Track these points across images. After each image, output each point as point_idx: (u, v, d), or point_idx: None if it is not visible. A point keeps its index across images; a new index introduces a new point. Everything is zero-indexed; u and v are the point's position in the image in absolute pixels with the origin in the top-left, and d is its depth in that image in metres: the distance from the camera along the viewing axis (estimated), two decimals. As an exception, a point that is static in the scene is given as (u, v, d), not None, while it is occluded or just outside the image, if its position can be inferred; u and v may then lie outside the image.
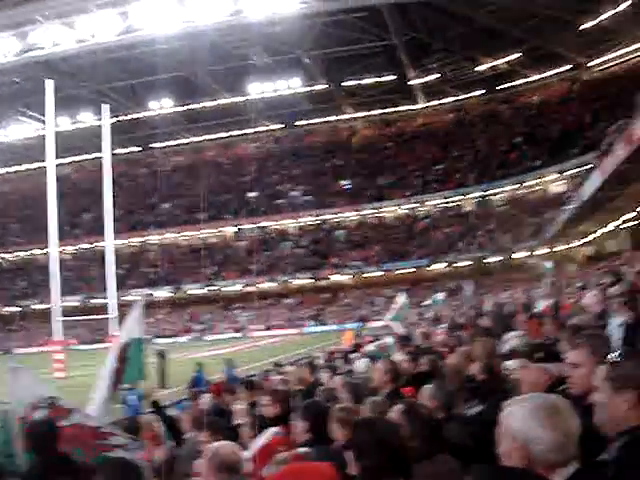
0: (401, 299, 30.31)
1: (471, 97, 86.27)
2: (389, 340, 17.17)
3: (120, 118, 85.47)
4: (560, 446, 2.40)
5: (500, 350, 8.02)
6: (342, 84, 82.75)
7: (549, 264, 35.22)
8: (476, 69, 78.92)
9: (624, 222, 44.00)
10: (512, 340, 8.37)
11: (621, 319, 7.84)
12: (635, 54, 69.26)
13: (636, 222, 42.65)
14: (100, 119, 60.45)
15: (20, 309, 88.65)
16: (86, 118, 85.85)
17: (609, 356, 3.01)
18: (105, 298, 62.05)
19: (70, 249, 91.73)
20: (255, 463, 4.84)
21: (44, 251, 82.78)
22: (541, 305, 15.90)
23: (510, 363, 5.04)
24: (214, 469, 4.15)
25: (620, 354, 2.94)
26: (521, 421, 2.45)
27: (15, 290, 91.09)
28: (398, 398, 5.49)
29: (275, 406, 6.89)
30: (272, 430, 5.15)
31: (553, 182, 69.21)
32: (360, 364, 11.18)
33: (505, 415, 2.55)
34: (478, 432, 3.08)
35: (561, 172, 65.27)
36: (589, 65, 75.13)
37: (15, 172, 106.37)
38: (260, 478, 4.55)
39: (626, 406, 2.76)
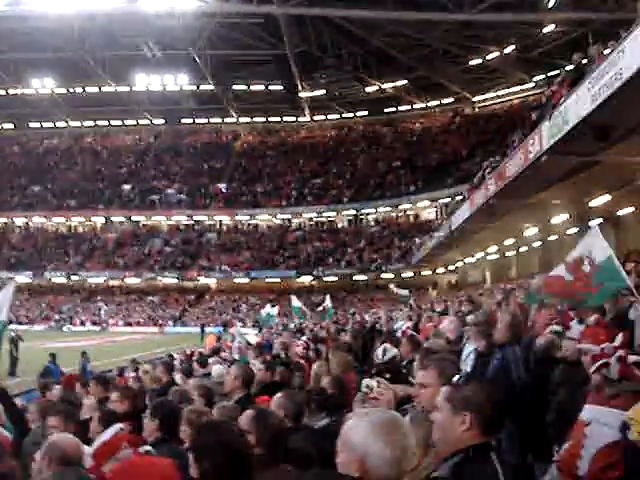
0: (267, 309, 30.46)
1: (355, 116, 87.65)
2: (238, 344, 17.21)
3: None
4: (396, 461, 2.47)
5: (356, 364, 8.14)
6: (230, 87, 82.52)
7: (405, 292, 35.91)
8: (364, 90, 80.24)
9: (487, 254, 45.45)
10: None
11: (474, 347, 8.08)
12: (515, 95, 72.24)
13: (498, 255, 44.13)
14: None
15: None
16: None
17: (453, 379, 3.12)
18: (-40, 277, 59.55)
19: None
20: (96, 458, 4.74)
21: None
22: (402, 326, 16.22)
23: (367, 381, 5.12)
24: (51, 460, 4.06)
25: (461, 377, 3.05)
26: (361, 435, 2.51)
27: None
28: (249, 404, 5.49)
29: (124, 403, 6.79)
30: (117, 426, 5.04)
31: (425, 209, 71.02)
32: (216, 369, 11.10)
33: (346, 428, 2.60)
34: (323, 444, 3.14)
35: (434, 200, 66.97)
36: (472, 100, 77.67)
37: None
38: (100, 474, 4.46)
39: (462, 427, 2.87)
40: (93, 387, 8.95)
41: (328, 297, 30.90)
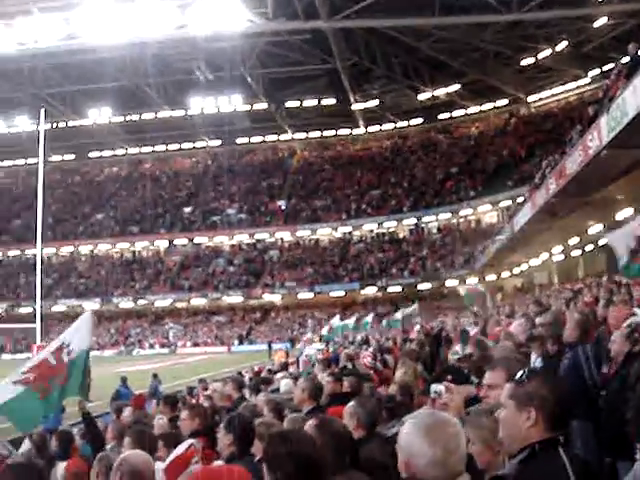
0: (334, 321, 30.60)
1: (410, 125, 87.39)
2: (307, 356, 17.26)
3: (57, 125, 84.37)
4: (440, 462, 2.48)
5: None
6: (283, 104, 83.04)
7: (470, 295, 35.78)
8: (416, 98, 79.99)
9: (553, 255, 44.79)
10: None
11: (540, 353, 7.99)
12: (570, 92, 71.17)
13: (564, 256, 43.47)
14: (36, 124, 59.43)
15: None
16: (22, 122, 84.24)
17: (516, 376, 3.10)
18: (31, 307, 60.98)
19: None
20: (167, 473, 4.81)
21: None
22: (470, 332, 16.12)
23: (435, 386, 5.11)
24: (122, 476, 4.13)
25: (524, 373, 3.03)
26: (406, 436, 2.54)
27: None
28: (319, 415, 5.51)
29: (194, 421, 6.86)
30: (188, 441, 5.11)
31: (486, 213, 70.27)
32: (284, 383, 11.17)
33: (400, 430, 2.65)
34: (395, 452, 3.15)
35: (494, 203, 66.30)
36: (526, 100, 76.84)
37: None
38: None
39: (528, 423, 2.85)
40: (162, 407, 9.09)
41: (400, 312, 30.80)
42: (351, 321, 31.90)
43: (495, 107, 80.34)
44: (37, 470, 4.57)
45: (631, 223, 8.84)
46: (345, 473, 3.86)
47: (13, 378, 8.31)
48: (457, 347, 8.69)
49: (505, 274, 58.38)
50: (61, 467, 6.55)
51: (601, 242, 36.24)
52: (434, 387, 5.10)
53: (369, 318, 33.08)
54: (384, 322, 29.86)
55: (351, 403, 5.40)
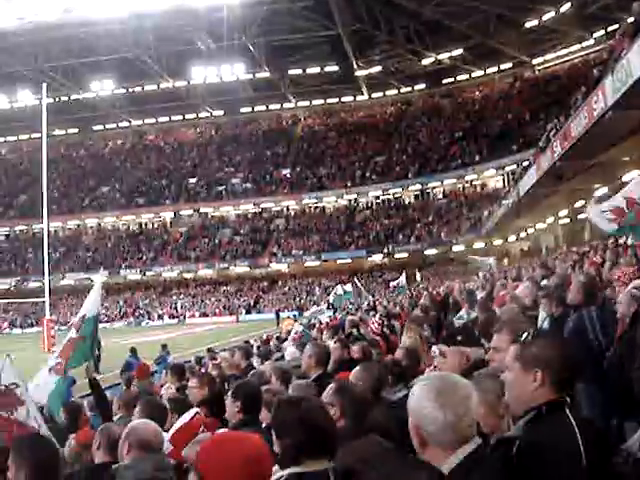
0: (339, 289, 30.61)
1: (414, 90, 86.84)
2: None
3: (60, 98, 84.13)
4: (450, 426, 2.45)
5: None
6: (286, 72, 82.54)
7: (489, 259, 35.77)
8: (420, 63, 79.36)
9: (559, 219, 44.65)
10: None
11: (548, 311, 7.98)
12: (575, 54, 70.48)
13: (570, 219, 43.34)
14: (39, 98, 59.23)
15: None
16: (24, 97, 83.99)
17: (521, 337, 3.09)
18: (39, 281, 61.19)
19: (4, 231, 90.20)
20: (174, 442, 4.83)
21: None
22: (477, 296, 16.10)
23: (436, 347, 5.11)
24: (130, 446, 4.14)
25: (529, 335, 3.01)
26: (417, 400, 2.52)
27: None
28: (327, 382, 5.52)
29: (203, 389, 6.88)
30: (192, 410, 5.13)
31: (492, 177, 70.03)
32: (290, 351, 11.20)
33: (410, 394, 2.62)
34: (402, 416, 3.15)
35: (500, 168, 66.04)
36: (531, 63, 76.22)
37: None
38: (179, 457, 4.53)
39: (534, 385, 2.84)
40: (170, 376, 9.13)
41: (403, 275, 30.88)
42: (349, 290, 31.92)
43: (499, 70, 79.67)
44: (48, 441, 4.60)
45: (614, 196, 8.80)
46: (364, 437, 3.87)
47: (50, 364, 8.36)
48: (462, 311, 8.69)
49: (511, 238, 58.32)
50: (71, 438, 6.59)
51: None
52: (434, 348, 5.12)
53: (347, 287, 33.03)
54: (393, 288, 29.87)
55: (356, 368, 5.40)
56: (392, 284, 30.70)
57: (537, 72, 76.70)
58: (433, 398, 2.49)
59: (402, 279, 29.92)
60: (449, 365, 4.80)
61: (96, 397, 8.42)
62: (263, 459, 2.74)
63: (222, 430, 4.83)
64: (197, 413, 5.07)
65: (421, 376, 2.82)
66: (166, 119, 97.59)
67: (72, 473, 5.27)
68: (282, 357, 11.50)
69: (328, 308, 32.15)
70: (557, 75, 71.25)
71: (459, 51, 75.49)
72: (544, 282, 11.32)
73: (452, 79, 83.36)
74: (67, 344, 8.54)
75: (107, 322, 69.02)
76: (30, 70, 77.21)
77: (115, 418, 7.35)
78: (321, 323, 21.15)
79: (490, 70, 80.00)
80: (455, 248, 65.56)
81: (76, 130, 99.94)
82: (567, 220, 43.88)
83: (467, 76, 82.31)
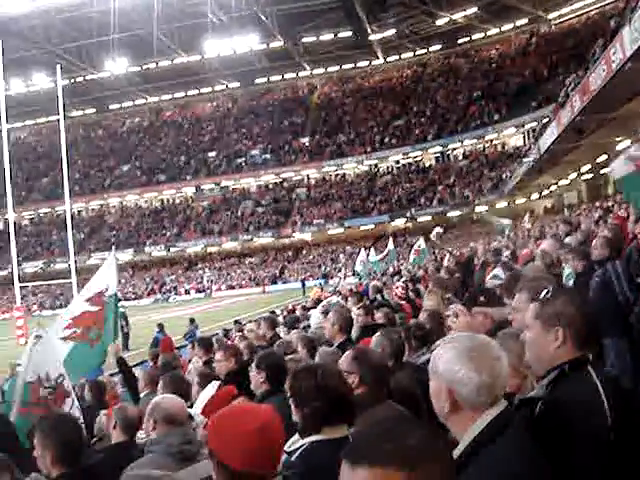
0: (372, 255, 30.50)
1: (429, 52, 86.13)
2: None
3: (75, 80, 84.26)
4: (485, 387, 2.39)
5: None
6: (299, 40, 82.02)
7: (505, 221, 35.48)
8: (434, 24, 78.57)
9: (581, 174, 44.32)
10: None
11: (572, 268, 7.92)
12: (591, 7, 69.52)
13: (592, 174, 42.98)
14: (54, 81, 59.32)
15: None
16: (40, 80, 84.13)
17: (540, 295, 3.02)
18: (65, 262, 61.66)
19: (28, 214, 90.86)
20: (207, 415, 4.83)
21: (2, 217, 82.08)
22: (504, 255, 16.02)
23: (451, 307, 5.08)
24: (156, 421, 4.16)
25: (549, 292, 2.94)
26: (447, 362, 2.43)
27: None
28: (350, 348, 5.50)
29: (229, 361, 6.89)
30: (213, 382, 5.14)
31: (512, 136, 69.46)
32: (314, 317, 11.21)
33: (434, 356, 2.55)
34: (426, 380, 3.13)
35: (519, 126, 65.47)
36: (547, 18, 75.25)
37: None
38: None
39: (555, 343, 2.78)
40: (197, 350, 9.17)
41: (422, 239, 30.63)
42: (376, 258, 31.83)
43: (515, 27, 78.78)
44: (72, 420, 4.65)
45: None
46: (383, 404, 3.85)
47: (59, 334, 8.39)
48: (497, 270, 8.60)
49: (534, 196, 58.00)
50: (102, 414, 6.65)
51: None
52: (451, 307, 5.09)
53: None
54: (412, 258, 29.60)
55: (377, 334, 5.39)
56: (414, 249, 30.38)
57: (553, 27, 75.75)
58: (467, 359, 2.42)
59: (421, 242, 29.56)
60: (461, 325, 4.77)
61: (123, 375, 8.51)
62: (274, 429, 2.72)
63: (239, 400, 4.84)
64: (220, 385, 5.07)
65: (443, 338, 2.74)
66: (182, 94, 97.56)
67: (97, 451, 5.33)
68: (308, 326, 11.51)
69: (353, 275, 32.17)
70: (574, 29, 70.35)
71: (474, 9, 74.61)
72: (567, 239, 11.22)
73: (468, 38, 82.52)
74: (84, 316, 8.56)
75: (135, 299, 69.61)
76: (44, 53, 77.28)
77: (142, 394, 7.39)
78: (351, 291, 21.12)
79: (506, 27, 79.11)
80: (478, 209, 65.26)
81: (93, 110, 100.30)
82: (590, 175, 43.57)
83: (483, 35, 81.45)
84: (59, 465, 4.02)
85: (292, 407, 3.35)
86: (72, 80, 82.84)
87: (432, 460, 1.61)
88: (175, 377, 6.21)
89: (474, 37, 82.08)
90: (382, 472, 1.55)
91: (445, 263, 18.36)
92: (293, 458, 3.16)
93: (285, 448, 3.34)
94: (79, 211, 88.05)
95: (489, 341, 2.61)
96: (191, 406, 5.29)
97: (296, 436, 3.34)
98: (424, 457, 1.60)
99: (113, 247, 12.81)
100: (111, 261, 9.36)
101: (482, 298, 5.02)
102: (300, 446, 3.20)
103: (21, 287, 47.61)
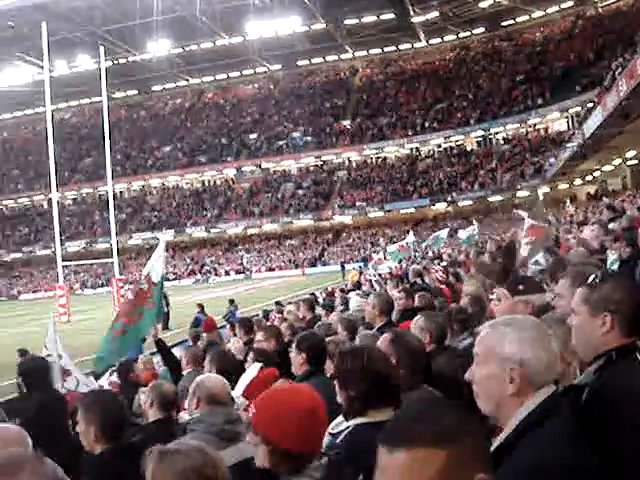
0: (409, 238, 30.40)
1: (473, 35, 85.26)
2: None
3: (118, 61, 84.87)
4: (552, 365, 2.38)
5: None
6: (342, 23, 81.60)
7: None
8: (478, 6, 77.64)
9: (626, 160, 43.71)
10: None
11: (617, 254, 7.83)
12: (639, -11, 68.20)
13: (638, 160, 42.35)
14: (97, 62, 59.73)
15: (23, 255, 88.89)
16: (84, 62, 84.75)
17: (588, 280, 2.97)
18: (107, 243, 62.34)
19: (71, 194, 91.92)
20: (250, 396, 4.85)
21: (46, 197, 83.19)
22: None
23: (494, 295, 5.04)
24: (199, 400, 4.19)
25: (597, 277, 2.89)
26: (514, 343, 2.39)
27: (17, 237, 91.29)
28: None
29: (270, 341, 6.93)
30: (256, 364, 5.16)
31: (555, 120, 68.66)
32: (354, 300, 11.21)
33: (489, 339, 2.50)
34: (468, 364, 3.09)
35: (563, 110, 64.66)
36: (593, 0, 74.05)
37: (14, 118, 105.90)
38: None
39: (603, 329, 2.73)
40: (238, 330, 9.23)
41: (476, 224, 30.43)
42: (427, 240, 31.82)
43: (560, 9, 77.63)
44: (114, 396, 4.70)
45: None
46: (419, 388, 3.83)
47: (116, 328, 8.53)
48: (539, 256, 8.54)
49: (577, 182, 57.36)
50: (140, 392, 6.74)
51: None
52: (495, 291, 5.06)
53: (443, 233, 32.76)
54: (460, 238, 29.49)
55: (418, 317, 5.36)
56: (461, 233, 30.11)
57: (600, 9, 74.52)
58: (533, 339, 2.39)
59: (475, 227, 29.34)
60: (503, 309, 4.73)
61: (162, 355, 8.61)
62: (318, 411, 2.72)
63: (280, 382, 4.85)
64: (262, 367, 5.09)
65: (490, 321, 2.70)
66: (224, 76, 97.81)
67: (140, 428, 5.39)
68: (347, 308, 11.52)
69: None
70: (621, 11, 69.10)
71: (518, -9, 73.71)
72: (612, 225, 11.10)
73: (512, 21, 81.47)
74: (128, 304, 8.67)
75: (175, 280, 70.24)
76: (87, 34, 77.77)
77: (184, 373, 7.45)
78: (391, 274, 21.08)
79: (551, 10, 77.98)
80: (520, 194, 64.69)
81: (135, 91, 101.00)
82: (634, 161, 42.95)
83: (527, 17, 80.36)
84: (102, 441, 4.08)
85: (337, 389, 3.34)
86: (115, 62, 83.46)
87: (469, 434, 1.62)
88: (222, 354, 6.26)
89: (518, 20, 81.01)
90: (421, 453, 1.56)
91: (487, 247, 18.25)
92: (338, 440, 3.16)
93: (329, 430, 3.35)
94: (121, 192, 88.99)
95: (540, 321, 2.59)
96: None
97: (340, 418, 3.34)
98: (461, 433, 1.61)
99: (163, 231, 12.85)
100: (162, 245, 9.49)
101: (521, 287, 4.98)
102: (345, 428, 3.20)
103: (64, 266, 48.29)
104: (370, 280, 18.74)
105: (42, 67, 55.34)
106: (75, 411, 4.37)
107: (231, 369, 5.56)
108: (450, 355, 4.94)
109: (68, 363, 7.16)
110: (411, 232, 35.64)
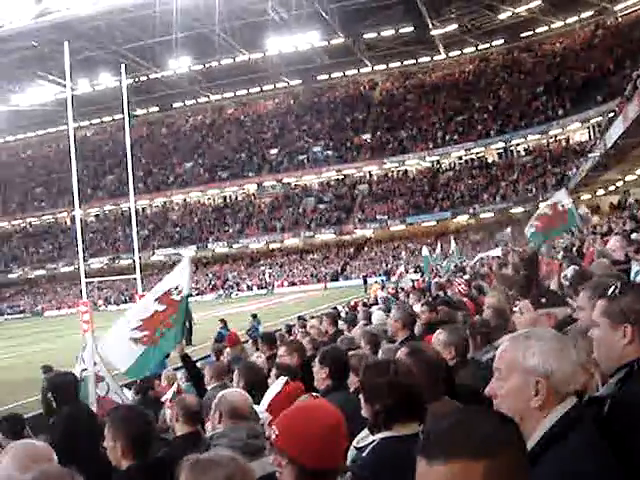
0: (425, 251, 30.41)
1: (492, 47, 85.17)
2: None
3: (139, 79, 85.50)
4: (574, 377, 2.39)
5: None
6: (361, 37, 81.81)
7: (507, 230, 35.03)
8: (497, 17, 77.62)
9: (649, 169, 43.42)
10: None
11: (640, 265, 7.80)
12: (660, -2, 67.97)
13: (661, 169, 42.09)
14: (119, 80, 60.20)
15: (47, 272, 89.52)
16: (105, 79, 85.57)
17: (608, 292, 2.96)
18: (130, 259, 62.68)
19: (94, 211, 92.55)
20: (273, 412, 4.86)
21: (69, 214, 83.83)
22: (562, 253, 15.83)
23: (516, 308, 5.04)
24: (221, 415, 4.21)
25: (616, 288, 2.89)
26: (540, 355, 2.39)
27: (41, 254, 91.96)
28: (412, 344, 5.49)
29: (293, 356, 6.93)
30: (281, 379, 5.16)
31: (576, 131, 68.37)
32: (376, 314, 11.20)
33: (512, 351, 2.48)
34: (490, 378, 3.08)
35: (584, 120, 64.39)
36: (613, 10, 73.75)
37: (38, 136, 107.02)
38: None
39: (623, 341, 2.73)
40: (261, 345, 9.24)
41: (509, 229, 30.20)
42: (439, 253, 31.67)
43: (580, 20, 77.39)
44: (142, 412, 4.73)
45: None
46: (439, 400, 3.83)
47: (132, 335, 8.51)
48: (568, 270, 8.48)
49: (600, 192, 57.00)
50: (167, 406, 6.78)
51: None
52: (517, 303, 5.05)
53: (453, 246, 32.64)
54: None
55: (439, 331, 5.36)
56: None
57: (619, 19, 74.21)
58: (557, 350, 2.39)
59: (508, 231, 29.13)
60: (526, 321, 4.72)
61: (188, 370, 8.63)
62: (340, 426, 2.73)
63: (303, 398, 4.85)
64: (287, 381, 5.10)
65: (512, 334, 2.71)
66: (244, 92, 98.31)
67: (166, 442, 5.42)
68: (369, 322, 11.51)
69: (415, 272, 31.99)
70: (640, 21, 68.87)
71: (537, 2, 73.57)
72: (634, 235, 11.05)
73: (531, 32, 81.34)
74: (153, 317, 8.66)
75: (197, 295, 70.33)
76: (109, 53, 78.48)
77: (208, 388, 7.47)
78: (413, 287, 21.07)
79: (570, 20, 77.81)
80: (542, 205, 64.29)
81: (157, 109, 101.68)
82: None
83: (546, 28, 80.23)
84: (129, 457, 4.11)
85: (362, 402, 3.35)
86: (136, 79, 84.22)
87: (509, 445, 1.62)
88: (250, 367, 6.29)
89: (538, 31, 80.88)
90: (459, 465, 1.55)
91: (510, 259, 18.16)
92: (364, 454, 3.17)
93: (354, 444, 3.36)
94: (143, 208, 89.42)
95: (559, 333, 2.59)
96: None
97: (365, 432, 3.35)
98: (501, 443, 1.60)
99: (187, 255, 12.85)
100: (185, 263, 9.44)
101: (543, 299, 4.97)
102: (370, 442, 3.21)
103: (87, 282, 48.27)
104: (384, 297, 18.73)
105: (64, 86, 55.77)
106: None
107: (258, 382, 5.59)
108: (474, 367, 4.94)
109: (103, 370, 7.23)
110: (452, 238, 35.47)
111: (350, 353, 5.83)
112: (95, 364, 7.45)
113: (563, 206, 12.93)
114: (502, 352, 2.53)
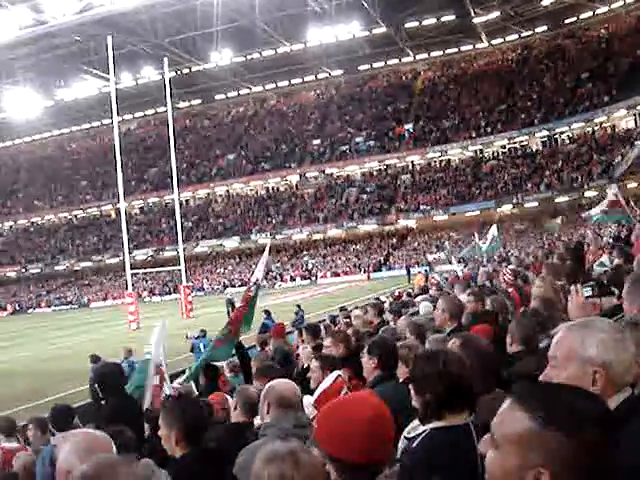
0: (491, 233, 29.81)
1: (535, 34, 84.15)
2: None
3: (181, 71, 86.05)
4: (630, 368, 2.37)
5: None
6: (402, 26, 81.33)
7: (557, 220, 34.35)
8: (540, 4, 76.64)
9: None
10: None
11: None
12: None
13: None
14: (162, 73, 60.71)
15: (93, 264, 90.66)
16: (148, 73, 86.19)
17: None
18: (174, 250, 63.18)
19: (138, 204, 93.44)
20: (319, 405, 4.85)
21: (114, 206, 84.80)
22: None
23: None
24: (269, 404, 4.23)
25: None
26: (600, 345, 2.37)
27: (87, 246, 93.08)
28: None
29: (338, 347, 6.93)
30: (335, 373, 5.14)
31: (622, 118, 67.42)
32: (423, 305, 11.14)
33: (569, 341, 2.46)
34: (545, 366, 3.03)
35: (631, 107, 63.45)
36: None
37: (82, 130, 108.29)
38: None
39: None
40: (305, 336, 9.26)
41: (494, 227, 29.40)
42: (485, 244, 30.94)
43: (625, 4, 76.08)
44: (196, 401, 4.78)
45: None
46: (491, 393, 3.79)
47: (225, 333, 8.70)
48: (604, 258, 8.38)
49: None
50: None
51: None
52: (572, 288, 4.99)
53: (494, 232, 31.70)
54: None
55: (512, 323, 5.34)
56: (482, 241, 28.61)
57: (668, 1, 72.92)
58: (615, 340, 2.37)
59: (493, 230, 28.02)
60: (575, 304, 4.66)
61: (240, 357, 8.72)
62: (384, 417, 2.68)
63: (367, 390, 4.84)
64: (339, 376, 5.08)
65: (567, 323, 2.67)
66: (286, 83, 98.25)
67: (216, 429, 5.46)
68: (417, 312, 11.46)
69: (459, 262, 31.66)
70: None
71: (582, -13, 72.58)
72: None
73: (575, 18, 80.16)
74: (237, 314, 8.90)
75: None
76: (151, 46, 78.92)
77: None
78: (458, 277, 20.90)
79: (615, 5, 76.50)
80: (587, 194, 63.61)
81: (199, 101, 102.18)
82: None
83: (591, 13, 78.97)
84: (183, 444, 4.13)
85: (412, 393, 3.33)
86: (178, 72, 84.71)
87: (599, 425, 1.60)
88: (268, 367, 6.37)
89: (582, 16, 79.68)
90: (542, 433, 1.56)
91: (557, 249, 18.01)
92: (414, 444, 3.14)
93: (404, 434, 3.34)
94: (186, 200, 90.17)
95: (616, 324, 2.56)
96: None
97: (416, 422, 3.33)
98: (587, 420, 1.58)
99: (267, 243, 13.13)
100: (265, 255, 9.81)
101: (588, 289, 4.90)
102: (421, 432, 3.18)
103: (132, 274, 49.19)
104: (437, 283, 18.60)
105: (108, 80, 56.45)
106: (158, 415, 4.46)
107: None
108: (538, 357, 4.89)
109: (163, 363, 7.31)
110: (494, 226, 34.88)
111: (399, 344, 5.80)
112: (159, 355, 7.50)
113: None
114: (559, 340, 2.50)
